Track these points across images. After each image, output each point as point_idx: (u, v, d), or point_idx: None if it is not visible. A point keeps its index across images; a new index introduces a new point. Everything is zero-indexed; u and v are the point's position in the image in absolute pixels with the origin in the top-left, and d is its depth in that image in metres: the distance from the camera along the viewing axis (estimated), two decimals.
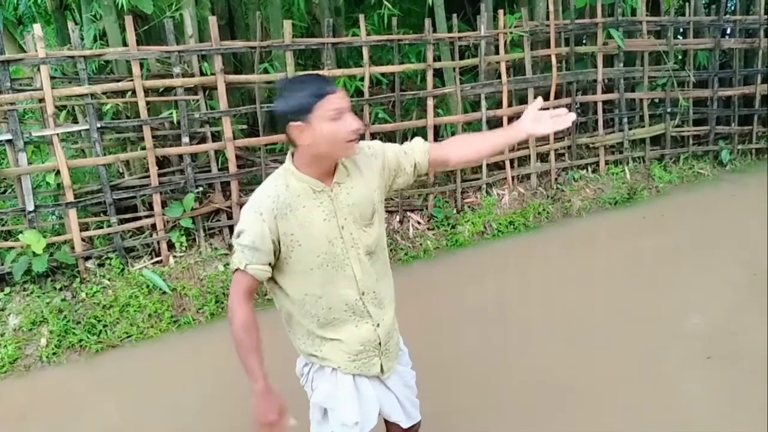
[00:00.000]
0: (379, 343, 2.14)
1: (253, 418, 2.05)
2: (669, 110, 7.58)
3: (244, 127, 5.79)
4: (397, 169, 2.17)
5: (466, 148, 2.26)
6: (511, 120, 6.67)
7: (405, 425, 2.32)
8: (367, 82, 5.80)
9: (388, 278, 2.21)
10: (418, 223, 6.08)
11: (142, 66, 5.01)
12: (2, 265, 4.71)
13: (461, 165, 2.59)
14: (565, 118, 2.16)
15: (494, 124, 6.65)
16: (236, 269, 2.00)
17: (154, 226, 5.20)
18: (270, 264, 2.01)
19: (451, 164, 2.30)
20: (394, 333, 2.24)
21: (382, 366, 2.17)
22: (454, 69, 6.34)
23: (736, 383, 3.53)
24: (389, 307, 2.19)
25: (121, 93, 5.13)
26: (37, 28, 4.65)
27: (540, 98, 2.22)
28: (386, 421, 2.38)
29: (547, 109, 2.19)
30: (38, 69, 4.69)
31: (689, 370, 3.75)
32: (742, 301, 4.53)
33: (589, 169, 7.21)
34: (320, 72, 1.86)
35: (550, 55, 6.75)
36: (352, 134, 1.90)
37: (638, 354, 3.91)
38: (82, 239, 4.92)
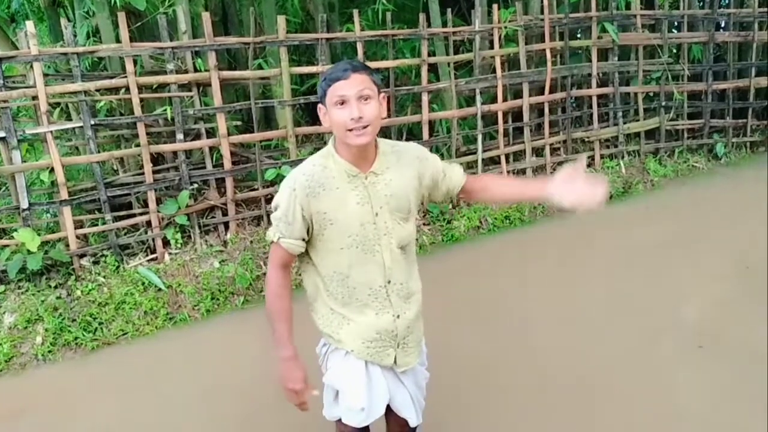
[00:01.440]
0: (396, 335, 2.15)
1: (279, 383, 2.13)
2: (663, 104, 7.60)
3: (239, 123, 5.78)
4: (433, 187, 2.20)
5: (493, 191, 2.26)
6: (505, 115, 6.68)
7: (413, 423, 2.31)
8: None
9: (415, 275, 2.23)
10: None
11: (135, 63, 4.99)
12: None
13: (483, 203, 2.63)
14: (597, 192, 1.99)
15: (489, 119, 6.66)
16: (272, 241, 2.07)
17: (149, 224, 5.19)
18: (303, 239, 2.05)
19: (473, 201, 2.35)
20: (417, 330, 2.24)
21: (396, 359, 2.18)
22: (448, 64, 6.33)
23: (727, 372, 3.56)
24: (414, 304, 2.20)
25: (115, 90, 5.12)
26: (29, 25, 4.63)
27: (585, 159, 2.15)
28: (386, 418, 2.38)
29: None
30: (31, 66, 4.67)
31: (682, 360, 3.77)
32: (735, 293, 4.55)
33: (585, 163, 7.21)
34: (351, 60, 1.85)
35: (544, 50, 6.75)
36: (351, 123, 1.89)
37: (634, 345, 3.92)
38: (77, 237, 4.91)
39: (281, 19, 5.39)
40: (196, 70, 5.22)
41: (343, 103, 1.89)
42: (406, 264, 2.15)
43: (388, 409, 2.26)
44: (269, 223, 5.56)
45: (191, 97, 5.25)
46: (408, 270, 2.16)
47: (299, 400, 2.15)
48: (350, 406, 2.14)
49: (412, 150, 2.15)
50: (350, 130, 1.90)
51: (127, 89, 4.97)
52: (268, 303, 2.12)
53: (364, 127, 1.90)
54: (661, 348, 3.92)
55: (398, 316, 2.14)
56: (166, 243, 5.23)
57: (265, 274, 5.17)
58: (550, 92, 6.81)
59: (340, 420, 2.22)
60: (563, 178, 2.05)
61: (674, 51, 7.89)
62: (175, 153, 5.30)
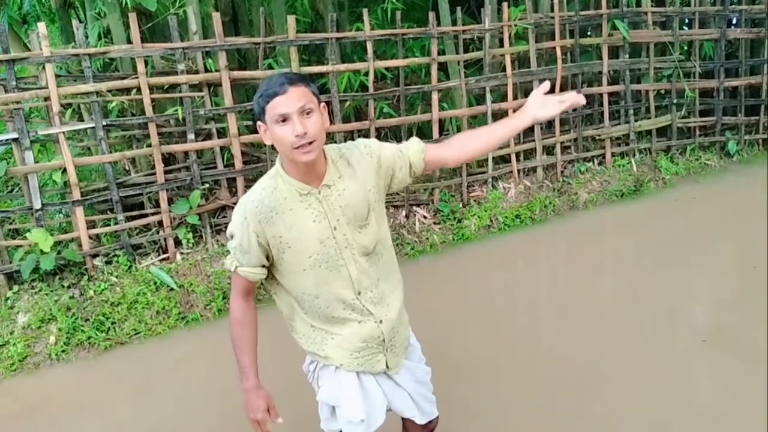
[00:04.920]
0: (383, 340, 2.10)
1: (245, 413, 2.12)
2: (675, 101, 7.54)
3: (250, 123, 5.79)
4: (393, 168, 2.09)
5: (465, 146, 2.15)
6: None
7: (420, 421, 2.29)
8: (371, 77, 5.79)
9: (392, 275, 2.16)
10: (424, 217, 6.07)
11: (146, 63, 5.01)
12: (10, 263, 4.74)
13: (463, 163, 2.50)
14: (573, 97, 2.07)
15: (500, 117, 6.61)
16: (233, 270, 2.05)
17: (160, 223, 5.21)
18: (263, 266, 2.02)
19: (450, 164, 2.25)
20: (401, 328, 2.19)
21: (387, 362, 2.14)
22: (458, 62, 6.32)
23: (731, 367, 3.57)
24: (394, 303, 2.14)
25: (126, 90, 5.15)
26: (41, 27, 4.66)
27: (547, 82, 2.13)
28: (402, 420, 2.36)
29: (553, 92, 2.12)
30: (43, 67, 4.70)
31: (690, 354, 3.79)
32: (741, 292, 4.54)
33: (596, 161, 7.19)
34: (286, 71, 1.80)
35: (554, 48, 6.72)
36: (296, 140, 1.80)
37: (645, 343, 3.90)
38: (90, 237, 4.94)
39: (291, 19, 5.39)
40: (206, 71, 5.23)
41: (284, 120, 1.80)
42: (376, 271, 2.07)
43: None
44: None
45: (202, 97, 5.27)
46: (379, 274, 2.09)
47: (262, 430, 2.12)
48: (350, 419, 2.11)
49: (358, 147, 2.05)
50: (296, 147, 1.81)
51: (139, 90, 4.99)
52: (231, 333, 2.10)
53: (310, 143, 1.81)
54: (668, 345, 3.90)
55: (381, 321, 2.09)
56: (177, 243, 5.24)
57: None
58: (561, 90, 6.77)
59: None
60: (537, 103, 2.08)
61: (685, 48, 7.83)
62: (186, 153, 5.31)
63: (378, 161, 2.05)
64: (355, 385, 2.12)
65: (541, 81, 6.59)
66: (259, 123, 1.90)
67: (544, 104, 2.07)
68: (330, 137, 6.05)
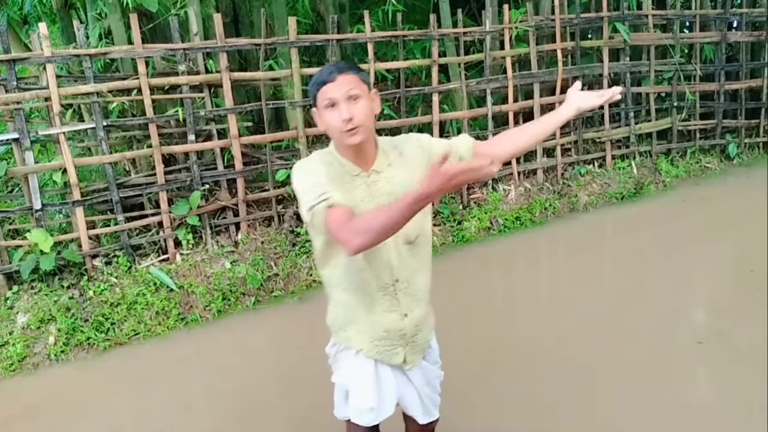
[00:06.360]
0: (404, 334, 2.13)
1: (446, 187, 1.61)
2: (675, 104, 7.55)
3: (250, 124, 5.80)
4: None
5: (510, 142, 2.22)
6: (516, 116, 6.66)
7: (421, 421, 2.31)
8: (372, 79, 5.79)
9: (427, 272, 2.19)
10: None
11: (147, 64, 5.01)
12: (10, 263, 4.74)
13: (508, 158, 2.55)
14: (612, 90, 2.18)
15: (500, 119, 6.64)
16: (325, 210, 1.85)
17: (160, 224, 5.21)
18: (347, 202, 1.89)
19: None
20: (425, 328, 2.22)
21: (405, 357, 2.17)
22: (459, 64, 6.32)
23: (727, 368, 3.58)
24: (422, 301, 2.17)
25: (127, 91, 5.14)
26: (42, 27, 4.66)
27: (579, 82, 2.22)
28: (404, 414, 2.39)
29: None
30: (44, 68, 4.71)
31: (687, 356, 3.80)
32: (738, 295, 4.55)
33: (596, 163, 7.19)
34: (331, 63, 1.89)
35: (555, 50, 6.73)
36: (342, 124, 1.87)
37: (643, 345, 3.90)
38: (89, 237, 4.94)
39: (292, 20, 5.40)
40: (207, 72, 5.24)
41: (332, 105, 1.89)
42: (415, 262, 2.11)
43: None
44: (280, 223, 5.61)
45: (203, 98, 5.27)
46: (417, 268, 2.13)
47: (468, 170, 1.55)
48: (359, 405, 2.13)
49: (411, 139, 2.14)
50: (343, 131, 1.89)
51: (139, 90, 5.00)
52: (364, 231, 1.73)
53: (356, 127, 1.89)
54: (665, 346, 3.91)
55: (406, 315, 2.12)
56: (177, 243, 5.24)
57: (276, 274, 5.19)
58: (562, 92, 6.78)
59: (350, 420, 2.22)
60: (577, 97, 2.21)
61: (686, 51, 7.84)
62: (186, 154, 5.31)
63: (429, 154, 2.10)
64: (371, 373, 2.14)
65: (541, 83, 6.66)
66: (313, 109, 2.00)
67: (584, 97, 2.20)
68: (327, 138, 6.05)
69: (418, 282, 2.14)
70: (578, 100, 2.19)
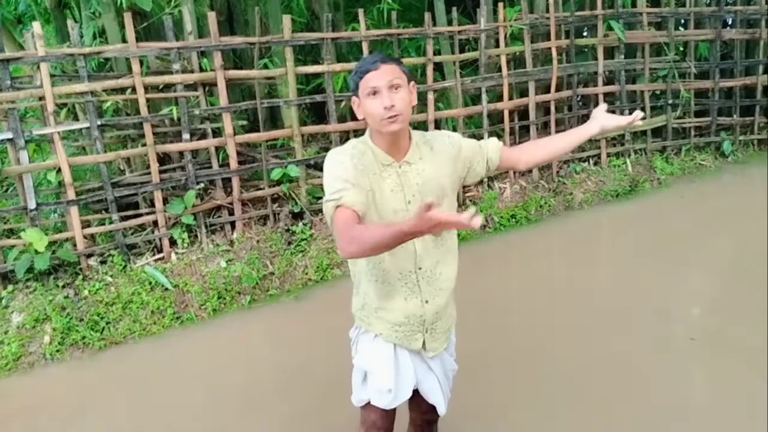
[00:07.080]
0: (424, 320, 2.18)
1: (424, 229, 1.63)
2: (670, 102, 7.57)
3: (245, 123, 5.79)
4: (471, 161, 2.23)
5: (539, 150, 2.34)
6: (511, 114, 6.67)
7: (441, 411, 2.35)
8: None
9: (452, 264, 2.22)
10: None
11: (141, 63, 5.01)
12: (5, 263, 4.73)
13: (531, 167, 2.67)
14: (636, 115, 2.30)
15: (495, 117, 6.65)
16: (334, 209, 1.89)
17: (155, 223, 5.21)
18: (363, 202, 1.93)
19: (520, 166, 2.37)
20: (445, 317, 2.26)
21: (425, 343, 2.21)
22: (454, 63, 6.33)
23: (720, 364, 3.60)
24: (445, 290, 2.20)
25: (121, 90, 5.14)
26: (36, 26, 4.65)
27: (605, 104, 2.37)
28: (409, 405, 2.42)
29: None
30: (38, 67, 4.70)
31: (681, 353, 3.81)
32: (732, 292, 4.57)
33: (591, 161, 7.20)
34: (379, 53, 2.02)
35: (550, 48, 6.74)
36: (384, 112, 1.94)
37: (638, 342, 3.92)
38: (84, 237, 4.93)
39: (287, 19, 5.40)
40: (201, 70, 5.24)
41: (375, 93, 1.95)
42: (439, 251, 2.15)
43: (412, 397, 2.29)
44: (275, 222, 5.61)
45: (197, 97, 5.26)
46: (441, 257, 2.17)
47: (452, 221, 1.56)
48: (378, 387, 2.18)
49: (442, 136, 2.21)
50: (384, 119, 1.95)
51: (134, 89, 4.99)
52: (361, 241, 1.77)
53: (396, 115, 1.95)
54: (659, 342, 3.92)
55: (427, 302, 2.16)
56: (172, 242, 5.24)
57: (272, 273, 5.19)
58: (557, 90, 6.79)
59: (367, 404, 2.25)
60: (602, 116, 2.33)
61: (681, 49, 7.86)
62: (181, 153, 5.31)
63: (458, 152, 2.18)
64: (390, 356, 2.19)
65: (536, 81, 6.67)
66: (353, 98, 2.05)
67: (609, 117, 2.33)
68: (326, 137, 6.06)
69: (442, 272, 2.19)
70: (604, 119, 2.31)
